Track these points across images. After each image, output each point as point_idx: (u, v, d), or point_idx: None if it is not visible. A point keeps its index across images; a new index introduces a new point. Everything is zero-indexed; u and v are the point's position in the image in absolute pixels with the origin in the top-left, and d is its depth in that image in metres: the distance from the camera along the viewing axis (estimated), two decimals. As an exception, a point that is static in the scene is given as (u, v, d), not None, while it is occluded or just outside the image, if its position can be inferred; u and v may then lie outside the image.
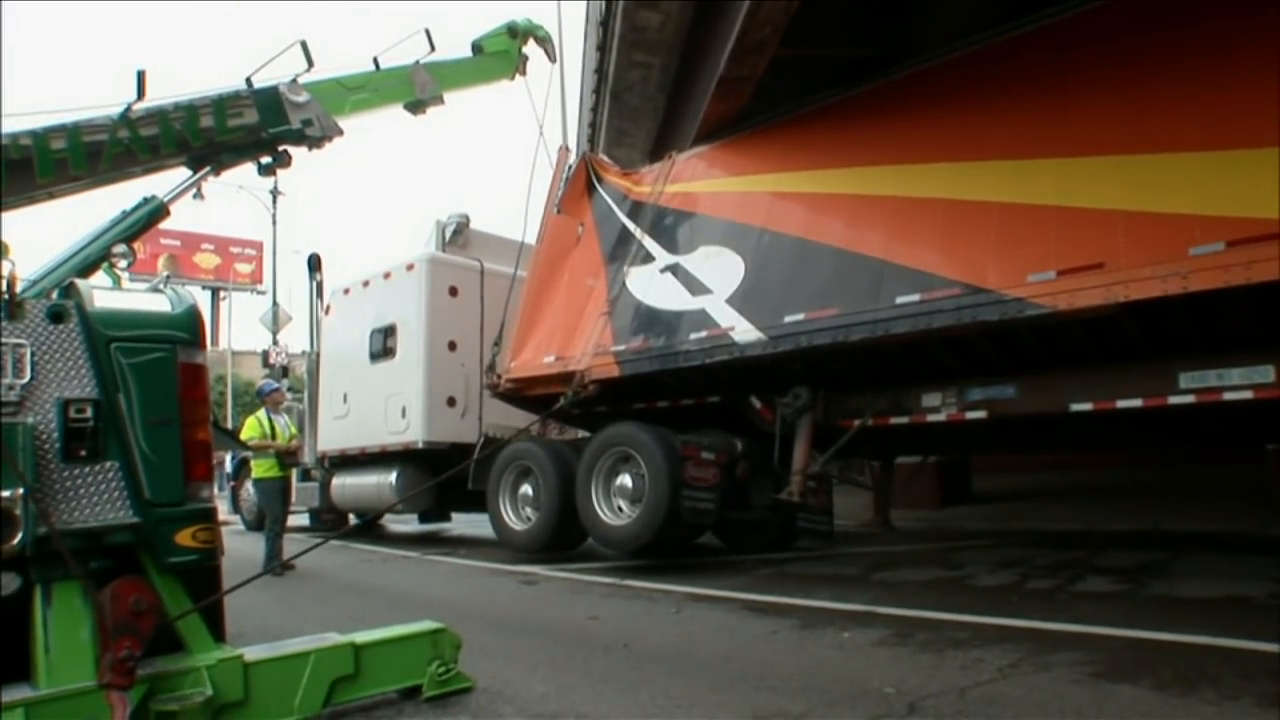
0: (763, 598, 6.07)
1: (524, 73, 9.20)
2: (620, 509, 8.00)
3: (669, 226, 8.72)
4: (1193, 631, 4.32)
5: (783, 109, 8.54)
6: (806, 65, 9.77)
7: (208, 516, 3.13)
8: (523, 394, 9.55)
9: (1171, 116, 5.61)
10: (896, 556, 8.40)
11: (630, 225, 9.08)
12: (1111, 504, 11.19)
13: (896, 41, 9.16)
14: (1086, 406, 6.20)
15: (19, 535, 2.67)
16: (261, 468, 9.06)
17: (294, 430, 9.69)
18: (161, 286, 3.45)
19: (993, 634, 4.57)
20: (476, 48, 8.60)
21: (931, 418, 6.97)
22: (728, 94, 8.78)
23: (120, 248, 5.13)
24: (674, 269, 8.25)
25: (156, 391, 3.05)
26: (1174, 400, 5.78)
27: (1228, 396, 5.56)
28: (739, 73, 8.44)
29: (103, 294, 3.20)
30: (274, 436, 9.04)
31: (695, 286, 7.91)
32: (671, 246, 8.50)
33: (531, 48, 9.22)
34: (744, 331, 7.23)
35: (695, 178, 8.94)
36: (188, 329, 3.18)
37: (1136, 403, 5.98)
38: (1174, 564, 6.99)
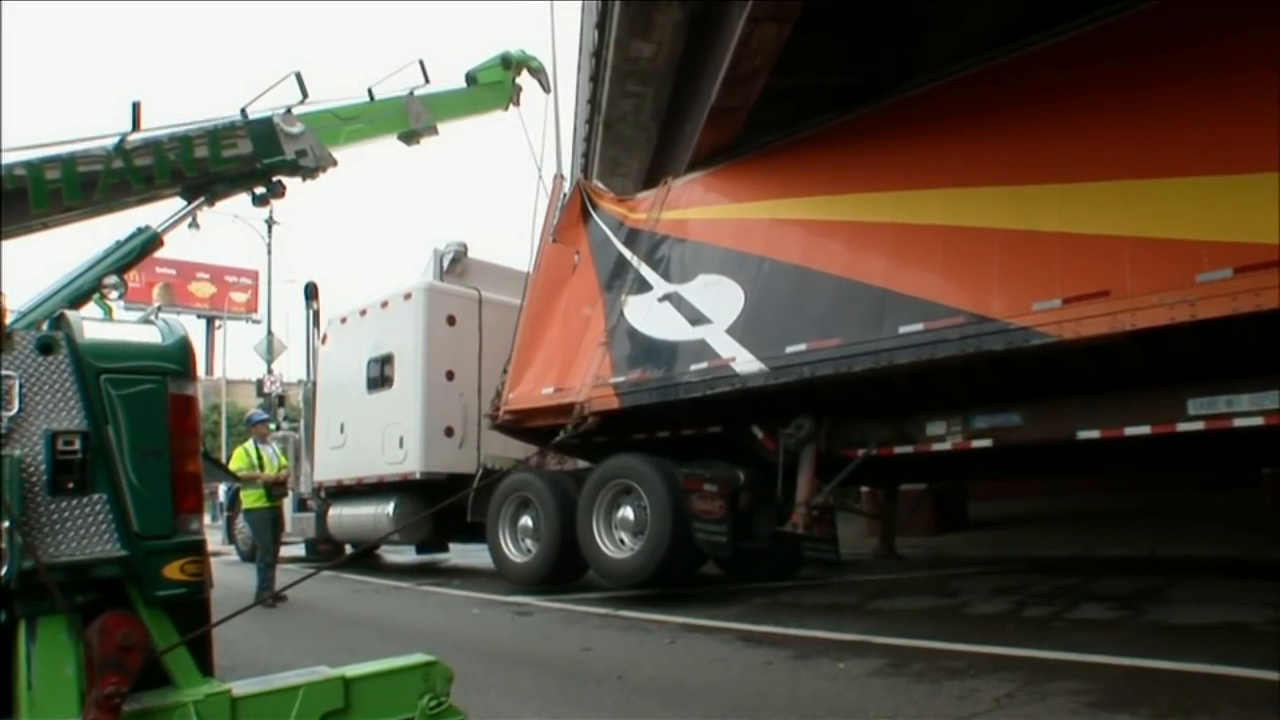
0: (758, 628, 6.03)
1: (518, 103, 9.31)
2: (622, 541, 7.91)
3: (666, 254, 8.65)
4: (1190, 659, 4.28)
5: (778, 135, 8.49)
6: (801, 92, 9.84)
7: (197, 549, 3.09)
8: (522, 425, 9.46)
9: (1176, 140, 5.50)
10: (892, 585, 8.34)
11: (627, 253, 9.01)
12: (1106, 529, 11.13)
13: (889, 70, 9.22)
14: (1094, 434, 6.06)
15: (4, 569, 2.65)
16: (251, 498, 9.02)
17: (283, 461, 9.65)
18: (153, 317, 3.45)
19: (989, 663, 4.53)
20: (470, 79, 8.70)
21: (936, 447, 6.83)
22: (720, 123, 8.81)
23: (111, 279, 5.15)
24: (672, 298, 8.17)
25: (146, 423, 3.03)
26: (1183, 427, 5.64)
27: (1238, 423, 5.39)
28: (731, 102, 8.48)
29: (93, 325, 3.19)
30: (262, 467, 9.00)
31: (694, 316, 7.84)
32: (669, 275, 8.43)
33: (525, 78, 9.34)
34: (745, 362, 7.14)
35: (692, 204, 8.87)
36: (178, 360, 3.17)
37: (1145, 430, 5.81)
38: (1170, 590, 6.94)
